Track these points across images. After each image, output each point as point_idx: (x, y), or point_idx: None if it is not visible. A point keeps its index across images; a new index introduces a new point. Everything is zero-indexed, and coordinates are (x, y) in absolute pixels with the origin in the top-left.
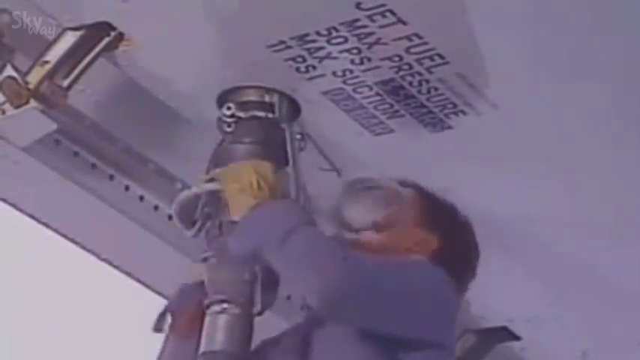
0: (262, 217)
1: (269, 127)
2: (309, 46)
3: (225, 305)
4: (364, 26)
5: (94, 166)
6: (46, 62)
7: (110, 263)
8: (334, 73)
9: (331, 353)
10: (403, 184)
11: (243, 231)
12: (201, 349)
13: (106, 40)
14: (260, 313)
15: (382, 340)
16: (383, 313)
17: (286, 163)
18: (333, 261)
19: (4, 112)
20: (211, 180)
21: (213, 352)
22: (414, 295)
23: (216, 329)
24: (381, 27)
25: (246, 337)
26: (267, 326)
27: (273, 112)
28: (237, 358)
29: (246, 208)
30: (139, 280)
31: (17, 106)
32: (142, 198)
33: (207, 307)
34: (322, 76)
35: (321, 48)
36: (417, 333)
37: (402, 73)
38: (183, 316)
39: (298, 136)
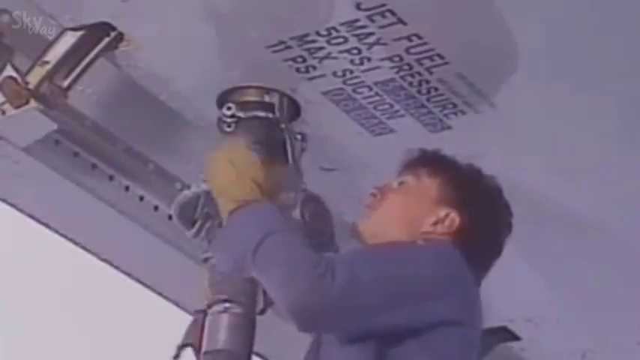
0: (233, 230)
1: (269, 127)
2: (309, 46)
3: (226, 305)
4: (364, 26)
5: (94, 166)
6: (46, 62)
7: (110, 263)
8: (334, 73)
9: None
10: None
11: (220, 247)
12: (204, 348)
13: (106, 40)
14: (262, 313)
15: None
16: (362, 313)
17: (286, 163)
18: (301, 274)
19: (4, 112)
20: None
21: (215, 351)
22: (394, 282)
23: (219, 329)
24: (381, 27)
25: (248, 336)
26: (268, 326)
27: (273, 112)
28: (240, 357)
29: (225, 213)
30: (139, 280)
31: (17, 106)
32: (142, 198)
33: (209, 306)
34: (322, 76)
35: (321, 48)
36: (405, 320)
37: (402, 73)
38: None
39: (298, 136)
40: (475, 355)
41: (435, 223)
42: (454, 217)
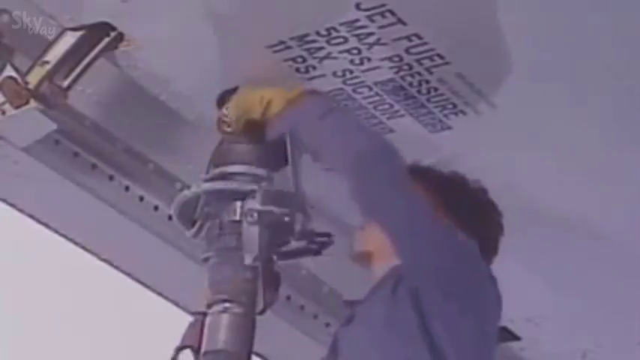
0: (303, 102)
1: None
2: (309, 46)
3: (226, 305)
4: (364, 26)
5: (94, 166)
6: (46, 62)
7: (110, 263)
8: (334, 74)
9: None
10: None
11: (286, 114)
12: (204, 348)
13: (106, 40)
14: (262, 313)
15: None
16: (397, 202)
17: (286, 163)
18: (366, 136)
19: (4, 112)
20: (211, 179)
21: (215, 351)
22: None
23: (218, 329)
24: (381, 27)
25: (248, 336)
26: (268, 326)
27: None
28: (240, 357)
29: (285, 100)
30: (138, 280)
31: (17, 106)
32: (141, 198)
33: (209, 306)
34: (322, 76)
35: (321, 48)
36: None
37: (402, 73)
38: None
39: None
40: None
41: None
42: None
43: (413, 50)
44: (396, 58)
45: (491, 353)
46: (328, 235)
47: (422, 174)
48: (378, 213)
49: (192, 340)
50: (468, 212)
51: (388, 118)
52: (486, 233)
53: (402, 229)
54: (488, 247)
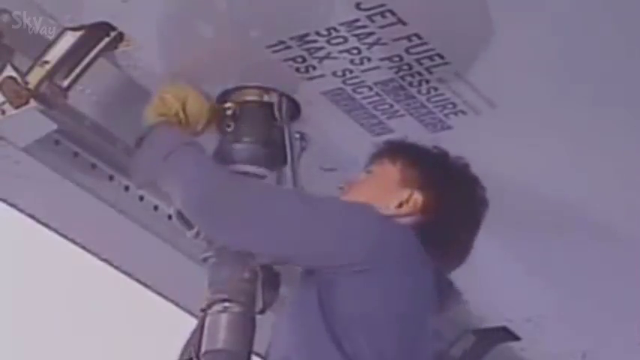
0: (150, 141)
1: (269, 127)
2: (309, 46)
3: (226, 304)
4: (364, 26)
5: (94, 166)
6: (46, 62)
7: (110, 263)
8: (334, 73)
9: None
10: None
11: (136, 159)
12: (203, 348)
13: (106, 40)
14: (261, 312)
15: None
16: (252, 231)
17: (285, 163)
18: (205, 174)
19: (4, 112)
20: None
21: (215, 351)
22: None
23: (218, 328)
24: (381, 27)
25: (247, 335)
26: (268, 326)
27: (272, 112)
28: (240, 356)
29: (146, 122)
30: (138, 280)
31: (17, 106)
32: (141, 198)
33: (209, 306)
34: (322, 76)
35: (321, 48)
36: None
37: (402, 73)
38: None
39: (298, 136)
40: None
41: (400, 206)
42: (417, 197)
43: (413, 50)
44: (396, 58)
45: (421, 341)
46: None
47: (401, 149)
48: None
49: (193, 347)
50: (449, 187)
51: (388, 118)
52: (470, 208)
53: (278, 242)
54: (472, 222)
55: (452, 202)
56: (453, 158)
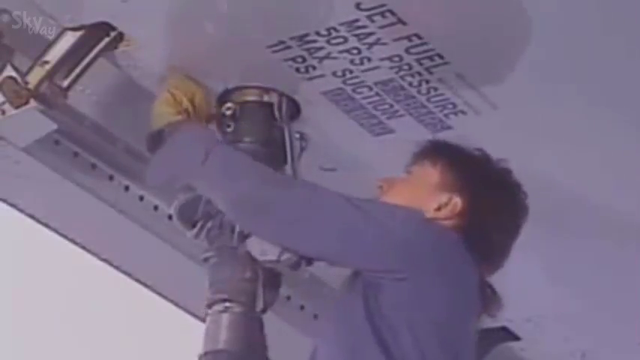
0: (179, 143)
1: (269, 127)
2: (309, 46)
3: (227, 304)
4: (364, 26)
5: (94, 166)
6: (46, 62)
7: (110, 263)
8: (334, 73)
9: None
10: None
11: (162, 158)
12: (204, 348)
13: (106, 40)
14: (263, 312)
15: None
16: (298, 229)
17: (285, 163)
18: (248, 173)
19: (4, 112)
20: None
21: (216, 351)
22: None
23: (219, 328)
24: (381, 27)
25: (248, 335)
26: (267, 326)
27: (272, 112)
28: (240, 357)
29: (166, 122)
30: (139, 280)
31: (17, 106)
32: (141, 198)
33: (210, 306)
34: (322, 76)
35: (321, 48)
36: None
37: (402, 73)
38: None
39: (298, 136)
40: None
41: (438, 209)
42: (456, 201)
43: (413, 50)
44: (396, 58)
45: (462, 345)
46: None
47: (443, 150)
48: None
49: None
50: (489, 192)
51: (388, 118)
52: (510, 213)
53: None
54: (510, 231)
55: (491, 208)
56: (495, 162)
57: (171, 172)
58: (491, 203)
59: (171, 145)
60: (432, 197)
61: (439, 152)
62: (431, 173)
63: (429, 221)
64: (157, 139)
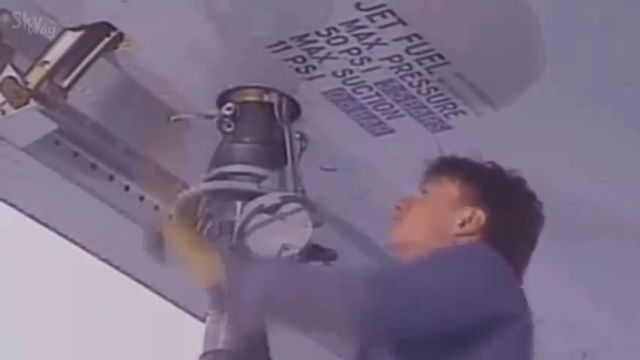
0: (249, 280)
1: (269, 127)
2: (309, 46)
3: None
4: (364, 26)
5: (94, 166)
6: (46, 62)
7: (110, 263)
8: (334, 73)
9: None
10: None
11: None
12: (204, 348)
13: (106, 40)
14: None
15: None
16: (414, 318)
17: (285, 163)
18: (356, 286)
19: (4, 112)
20: (211, 179)
21: (216, 351)
22: (439, 293)
23: (219, 328)
24: (381, 27)
25: (248, 335)
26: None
27: (272, 112)
28: (240, 357)
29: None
30: (139, 280)
31: (17, 107)
32: (142, 198)
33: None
34: (322, 76)
35: (321, 48)
36: (454, 325)
37: (402, 73)
38: None
39: (297, 136)
40: (532, 344)
41: (462, 224)
42: (480, 215)
43: (413, 50)
44: (396, 58)
45: None
46: (333, 256)
47: (457, 166)
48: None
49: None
50: (510, 202)
51: (388, 118)
52: (529, 223)
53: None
54: (530, 241)
55: (513, 218)
56: (508, 173)
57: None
58: (513, 213)
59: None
60: (454, 213)
61: (455, 168)
62: (450, 189)
63: (495, 276)
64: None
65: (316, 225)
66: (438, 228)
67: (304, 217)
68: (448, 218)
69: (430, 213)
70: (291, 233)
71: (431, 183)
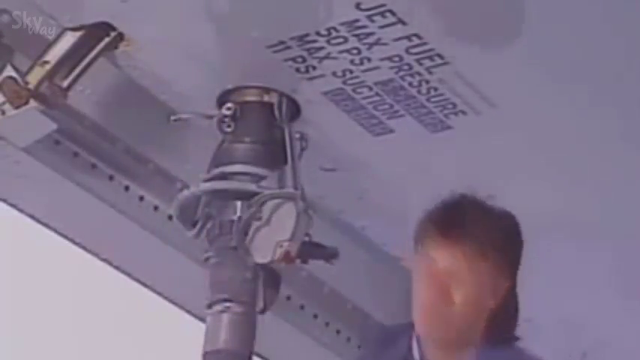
0: None
1: (269, 127)
2: (309, 46)
3: (227, 304)
4: (364, 26)
5: (94, 166)
6: (46, 62)
7: (110, 263)
8: (334, 73)
9: None
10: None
11: None
12: (204, 348)
13: (106, 40)
14: (262, 312)
15: None
16: None
17: (285, 163)
18: None
19: (4, 112)
20: (211, 179)
21: (216, 351)
22: None
23: (219, 328)
24: (381, 27)
25: (249, 335)
26: (268, 326)
27: (272, 112)
28: (241, 356)
29: None
30: (139, 280)
31: (17, 107)
32: (142, 198)
33: (210, 306)
34: (322, 76)
35: (321, 48)
36: None
37: (402, 73)
38: None
39: (297, 136)
40: None
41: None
42: (509, 286)
43: (413, 50)
44: (396, 58)
45: None
46: (334, 254)
47: (478, 233)
48: None
49: None
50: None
51: (388, 118)
52: (518, 253)
53: None
54: (517, 266)
55: (507, 255)
56: (502, 212)
57: None
58: (507, 252)
59: None
60: (491, 291)
61: (480, 238)
62: (484, 268)
63: None
64: None
65: (303, 214)
66: (479, 307)
67: (290, 208)
68: (488, 296)
69: (475, 296)
70: (282, 229)
71: (460, 260)
